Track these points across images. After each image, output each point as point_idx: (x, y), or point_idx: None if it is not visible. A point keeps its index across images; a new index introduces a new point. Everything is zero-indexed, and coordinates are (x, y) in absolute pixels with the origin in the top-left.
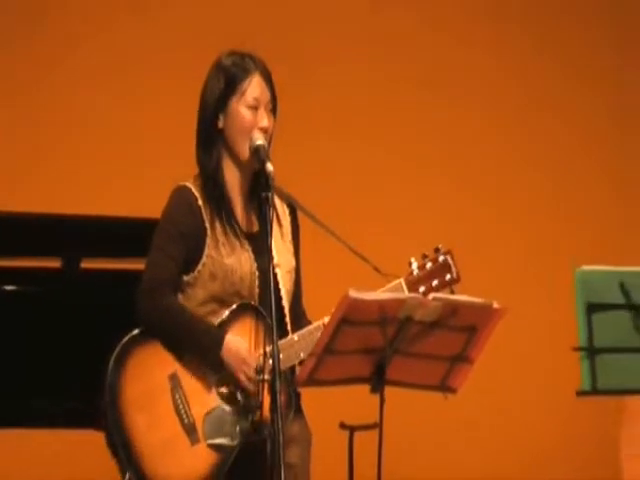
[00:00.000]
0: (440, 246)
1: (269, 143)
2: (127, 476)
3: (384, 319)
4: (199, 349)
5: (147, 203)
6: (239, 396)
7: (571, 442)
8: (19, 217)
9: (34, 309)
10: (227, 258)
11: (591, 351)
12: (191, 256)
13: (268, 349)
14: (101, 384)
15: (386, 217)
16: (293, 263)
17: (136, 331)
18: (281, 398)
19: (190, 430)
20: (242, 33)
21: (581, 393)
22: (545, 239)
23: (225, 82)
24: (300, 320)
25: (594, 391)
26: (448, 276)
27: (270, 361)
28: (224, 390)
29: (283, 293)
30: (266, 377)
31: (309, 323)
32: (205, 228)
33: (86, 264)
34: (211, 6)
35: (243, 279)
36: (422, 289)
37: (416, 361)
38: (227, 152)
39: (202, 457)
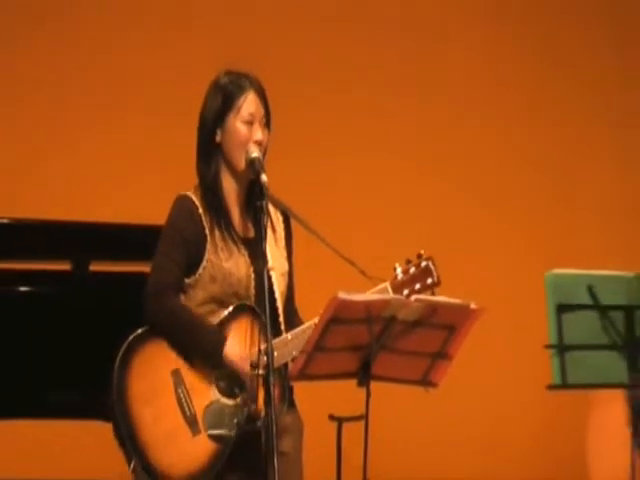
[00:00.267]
0: (422, 252)
1: (264, 155)
2: (132, 464)
3: (370, 318)
4: (202, 351)
5: (150, 211)
6: (236, 390)
7: (554, 438)
8: (33, 223)
9: (46, 308)
10: (225, 262)
11: (561, 348)
12: (192, 260)
13: (263, 347)
14: (109, 379)
15: (373, 226)
16: (286, 266)
17: (141, 330)
18: (275, 392)
19: (192, 422)
20: (242, 54)
21: (552, 387)
22: (535, 242)
23: (222, 99)
24: (293, 319)
25: (564, 385)
26: (429, 280)
27: (264, 358)
28: (222, 385)
29: (277, 294)
30: (261, 372)
31: (301, 322)
32: (205, 235)
33: (94, 267)
34: (214, 28)
35: (240, 281)
36: (406, 291)
37: (400, 357)
38: (225, 164)
39: (203, 447)
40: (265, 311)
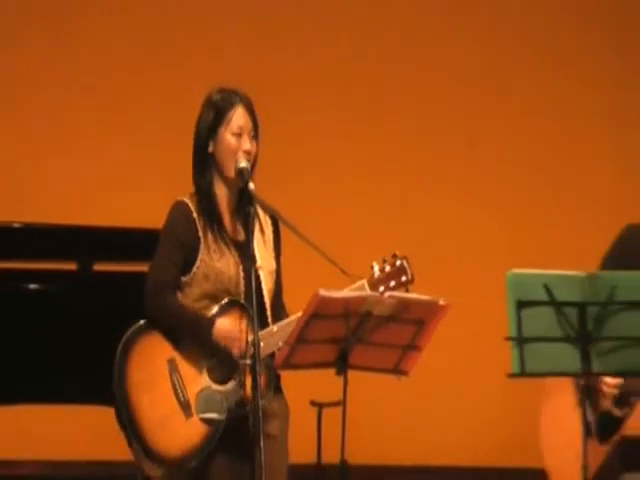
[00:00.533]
0: (397, 252)
1: (254, 164)
2: (134, 446)
3: (347, 314)
4: (196, 338)
5: (149, 216)
6: (226, 378)
7: (514, 422)
8: (42, 227)
9: (54, 304)
10: (217, 262)
11: (520, 340)
12: (188, 260)
13: (251, 338)
14: (111, 368)
15: (353, 228)
16: (274, 265)
17: (140, 323)
18: (261, 379)
19: (185, 406)
20: (239, 76)
21: (512, 375)
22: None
23: (214, 114)
24: (280, 313)
25: (523, 374)
26: (404, 278)
27: (252, 348)
28: (214, 372)
29: (265, 291)
30: (248, 362)
31: (288, 316)
32: (199, 237)
33: (98, 267)
34: (212, 49)
35: (231, 279)
36: (381, 288)
37: (374, 349)
38: (217, 173)
39: (195, 429)
40: (253, 306)
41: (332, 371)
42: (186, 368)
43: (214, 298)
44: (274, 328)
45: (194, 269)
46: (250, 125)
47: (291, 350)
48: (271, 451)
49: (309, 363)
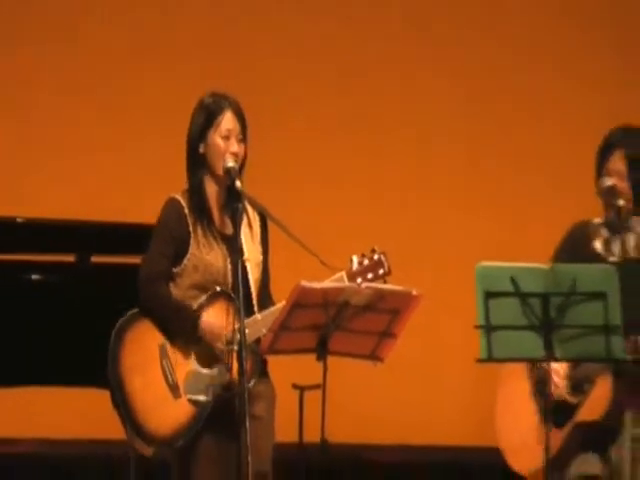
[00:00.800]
0: (376, 247)
1: (242, 164)
2: (127, 426)
3: (327, 303)
4: (182, 330)
5: (143, 212)
6: (212, 362)
7: (482, 404)
8: (43, 222)
9: (54, 294)
10: (206, 255)
11: (488, 328)
12: (179, 253)
13: (237, 326)
14: (106, 354)
15: (336, 224)
16: (260, 258)
17: (133, 311)
18: (247, 364)
19: (174, 389)
20: (238, 76)
21: (480, 361)
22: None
23: (205, 117)
24: (267, 302)
25: (490, 359)
26: (381, 271)
27: (238, 335)
28: (201, 357)
29: (251, 282)
30: (235, 348)
31: (274, 305)
32: (190, 231)
33: (95, 259)
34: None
35: (219, 271)
36: (359, 280)
37: (352, 336)
38: (208, 172)
39: (183, 410)
40: (239, 296)
41: (313, 356)
42: (175, 353)
43: (203, 288)
44: (258, 316)
45: (185, 261)
46: (238, 129)
47: (275, 337)
48: (257, 431)
49: (291, 349)
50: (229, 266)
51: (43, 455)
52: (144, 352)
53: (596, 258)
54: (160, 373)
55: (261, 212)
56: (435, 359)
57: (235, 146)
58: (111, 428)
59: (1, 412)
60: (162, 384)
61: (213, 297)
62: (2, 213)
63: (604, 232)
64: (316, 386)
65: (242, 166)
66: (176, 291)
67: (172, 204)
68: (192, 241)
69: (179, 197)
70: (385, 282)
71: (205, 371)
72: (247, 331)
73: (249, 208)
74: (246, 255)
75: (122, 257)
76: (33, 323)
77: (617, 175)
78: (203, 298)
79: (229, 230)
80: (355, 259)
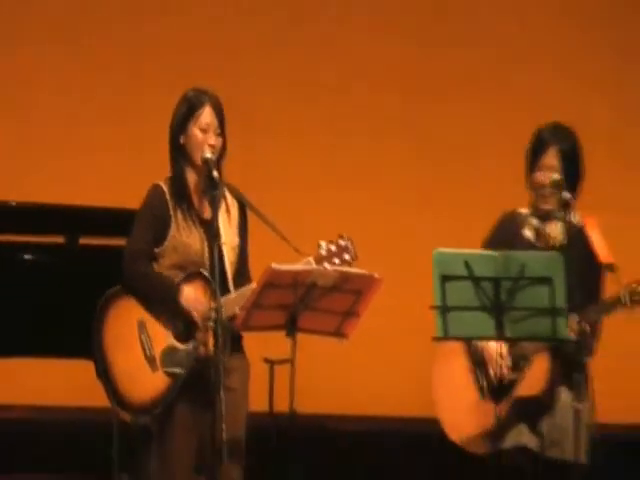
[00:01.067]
0: (343, 234)
1: (221, 155)
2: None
3: (296, 284)
4: (165, 301)
5: (128, 196)
6: (189, 337)
7: None
8: (35, 206)
9: (44, 273)
10: (186, 237)
11: (443, 309)
12: (160, 235)
13: (212, 304)
14: (91, 328)
15: (306, 212)
16: (237, 241)
17: (116, 288)
18: (221, 339)
19: (151, 361)
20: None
21: (436, 339)
22: None
23: (186, 110)
24: (244, 283)
25: (445, 337)
26: (347, 256)
27: (213, 313)
28: (177, 332)
29: (227, 263)
30: (211, 324)
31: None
32: (170, 215)
33: (83, 241)
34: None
35: (197, 252)
36: (326, 264)
37: (319, 314)
38: (188, 161)
39: (159, 380)
40: (215, 276)
41: (283, 333)
42: (154, 328)
43: (182, 268)
44: (232, 295)
45: (165, 242)
46: (216, 123)
47: (248, 314)
48: (230, 402)
49: (263, 326)
50: (206, 248)
51: (33, 421)
52: (125, 327)
53: (527, 245)
54: (139, 346)
55: (239, 199)
56: (395, 337)
57: (213, 139)
58: (95, 396)
59: None
60: (141, 357)
61: (191, 276)
62: None
63: (534, 221)
64: (286, 360)
65: (221, 157)
66: (157, 270)
67: (155, 190)
68: (172, 224)
69: (162, 184)
70: (351, 266)
71: (181, 346)
72: (222, 309)
73: (228, 195)
74: (223, 239)
75: (108, 239)
76: (26, 299)
77: (550, 170)
78: (181, 277)
79: (208, 215)
80: (323, 244)
